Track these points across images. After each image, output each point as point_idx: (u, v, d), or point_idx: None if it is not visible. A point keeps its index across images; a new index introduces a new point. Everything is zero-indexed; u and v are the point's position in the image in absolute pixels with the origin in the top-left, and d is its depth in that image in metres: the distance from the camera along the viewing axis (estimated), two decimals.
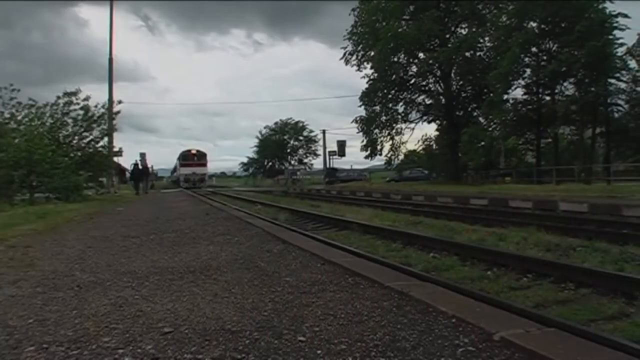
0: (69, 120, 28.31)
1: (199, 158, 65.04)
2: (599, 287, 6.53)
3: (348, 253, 8.16)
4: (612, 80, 37.40)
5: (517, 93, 41.73)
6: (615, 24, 33.92)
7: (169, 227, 11.32)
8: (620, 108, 40.62)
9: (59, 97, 27.98)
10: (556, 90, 39.02)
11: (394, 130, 48.81)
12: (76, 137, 28.79)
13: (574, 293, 6.52)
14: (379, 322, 3.68)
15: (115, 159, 34.83)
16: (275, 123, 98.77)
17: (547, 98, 40.21)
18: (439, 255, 9.37)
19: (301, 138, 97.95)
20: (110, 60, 36.06)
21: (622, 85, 39.22)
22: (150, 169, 50.37)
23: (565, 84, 38.38)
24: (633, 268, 7.90)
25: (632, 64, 39.49)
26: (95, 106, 29.07)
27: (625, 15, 33.76)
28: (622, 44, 35.44)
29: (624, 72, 38.23)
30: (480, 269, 8.06)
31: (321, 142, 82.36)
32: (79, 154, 28.42)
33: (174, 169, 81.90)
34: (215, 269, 5.96)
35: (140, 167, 37.70)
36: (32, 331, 3.66)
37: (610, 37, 33.92)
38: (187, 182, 60.45)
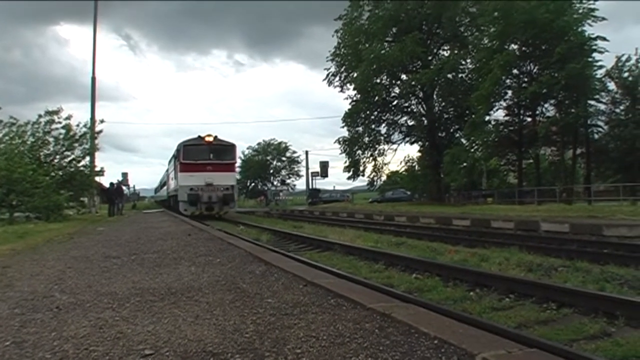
0: (51, 139, 28.26)
1: (220, 153, 33.03)
2: (581, 307, 6.58)
3: (330, 274, 8.12)
4: (592, 102, 37.95)
5: (499, 114, 42.21)
6: (594, 47, 34.44)
7: (150, 247, 11.22)
8: (600, 129, 41.25)
9: (40, 116, 27.96)
10: (537, 112, 39.45)
11: (376, 151, 49.13)
12: (57, 156, 28.68)
13: (555, 313, 6.55)
14: (361, 343, 3.66)
15: (96, 178, 34.49)
16: (258, 144, 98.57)
17: (528, 119, 40.62)
18: (422, 276, 9.38)
19: (284, 159, 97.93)
20: (93, 79, 35.99)
21: (602, 106, 39.91)
22: (132, 189, 49.70)
23: (546, 105, 38.86)
24: (614, 288, 7.97)
25: (611, 85, 40.18)
26: (77, 125, 29.04)
27: (604, 38, 34.37)
28: (601, 67, 36.03)
29: (603, 93, 38.87)
30: (463, 290, 8.07)
31: (304, 163, 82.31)
32: (60, 173, 28.32)
33: (162, 182, 55.16)
34: (196, 290, 5.92)
35: (114, 187, 36.78)
36: (9, 354, 3.60)
37: (590, 59, 34.38)
38: (195, 204, 30.94)
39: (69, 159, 29.03)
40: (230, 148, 34.03)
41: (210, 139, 32.47)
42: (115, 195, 35.25)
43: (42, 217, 23.29)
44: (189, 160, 31.63)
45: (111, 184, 37.13)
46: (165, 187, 48.64)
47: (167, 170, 44.22)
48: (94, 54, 36.33)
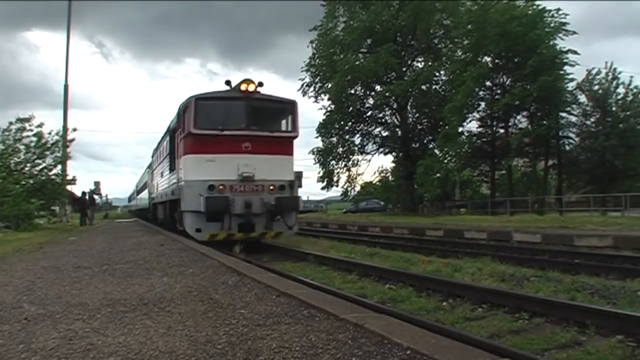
0: (21, 147, 27.77)
1: (269, 117, 16.86)
2: (552, 316, 6.66)
3: (304, 285, 8.10)
4: (563, 114, 38.81)
5: (472, 126, 42.73)
6: (565, 60, 35.18)
7: (122, 257, 11.07)
8: (571, 141, 42.22)
9: (11, 123, 27.50)
10: (510, 123, 40.03)
11: (350, 162, 49.08)
12: (28, 165, 28.21)
13: (528, 323, 6.61)
14: (334, 354, 3.65)
15: (68, 187, 33.99)
16: None
17: (501, 131, 41.15)
18: (395, 286, 9.41)
19: None
20: (66, 86, 35.48)
21: (573, 118, 40.98)
22: (105, 198, 48.83)
23: (518, 117, 39.48)
24: (584, 297, 8.05)
25: (582, 98, 41.15)
26: (49, 133, 28.62)
27: (575, 52, 35.19)
28: (572, 79, 36.93)
29: (574, 106, 39.77)
30: (436, 300, 8.11)
31: None
32: (31, 181, 27.84)
33: (141, 184, 42.22)
34: (169, 301, 5.85)
35: (86, 196, 36.20)
36: None
37: (561, 72, 35.08)
38: (218, 218, 15.71)
39: (40, 167, 28.58)
40: (288, 108, 17.04)
41: (251, 87, 15.88)
42: (87, 204, 34.78)
43: (12, 226, 22.92)
44: (206, 129, 15.53)
45: (83, 192, 36.69)
46: (146, 191, 34.40)
47: (150, 166, 30.07)
48: (67, 60, 35.59)
